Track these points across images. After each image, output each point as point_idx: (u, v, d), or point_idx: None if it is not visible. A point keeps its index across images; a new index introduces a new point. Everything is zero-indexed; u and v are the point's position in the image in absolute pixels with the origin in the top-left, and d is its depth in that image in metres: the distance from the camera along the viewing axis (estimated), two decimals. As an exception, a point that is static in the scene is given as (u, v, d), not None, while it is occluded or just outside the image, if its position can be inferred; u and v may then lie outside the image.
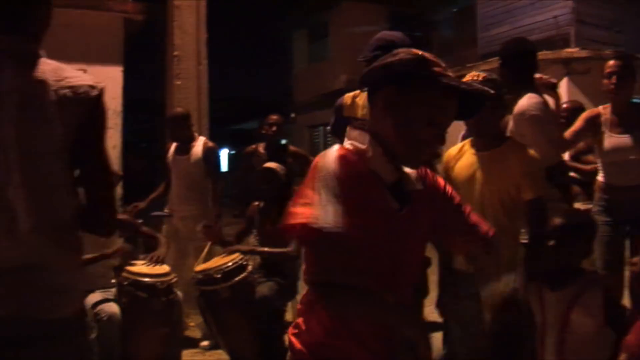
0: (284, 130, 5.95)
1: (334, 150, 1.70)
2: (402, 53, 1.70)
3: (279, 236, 4.01)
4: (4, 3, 1.83)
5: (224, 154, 28.40)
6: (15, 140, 1.75)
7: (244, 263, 4.24)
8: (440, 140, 1.68)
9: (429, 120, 1.65)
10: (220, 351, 4.63)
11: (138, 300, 3.74)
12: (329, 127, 3.98)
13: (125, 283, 3.77)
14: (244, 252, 4.37)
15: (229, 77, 23.99)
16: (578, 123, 3.97)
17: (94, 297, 3.80)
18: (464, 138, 4.32)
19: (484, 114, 2.82)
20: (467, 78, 2.81)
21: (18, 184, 1.75)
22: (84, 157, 1.88)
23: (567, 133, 3.91)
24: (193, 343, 5.05)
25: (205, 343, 5.00)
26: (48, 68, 1.83)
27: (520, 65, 3.54)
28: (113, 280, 3.92)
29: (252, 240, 4.70)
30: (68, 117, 1.80)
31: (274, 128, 5.88)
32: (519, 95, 3.46)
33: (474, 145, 3.01)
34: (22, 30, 1.84)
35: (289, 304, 4.69)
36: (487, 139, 2.94)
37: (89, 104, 1.84)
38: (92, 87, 1.86)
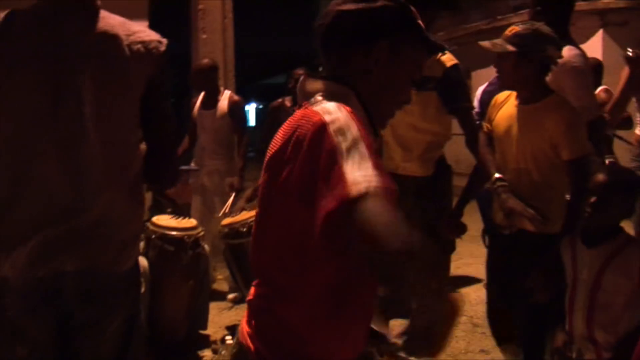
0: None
1: (340, 108, 1.33)
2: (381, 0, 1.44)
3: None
4: None
5: (251, 109, 28.43)
6: (92, 94, 1.74)
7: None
8: (410, 100, 1.52)
9: (411, 80, 1.49)
10: (247, 304, 4.67)
11: (166, 253, 3.77)
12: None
13: (153, 236, 3.80)
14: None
15: (256, 31, 23.81)
16: (623, 80, 3.73)
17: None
18: (483, 93, 4.22)
19: (508, 68, 2.74)
20: (507, 33, 2.74)
21: (94, 141, 1.75)
22: (150, 114, 1.88)
23: (617, 92, 3.75)
24: (221, 296, 5.11)
25: (232, 296, 5.05)
26: (116, 22, 1.83)
27: (555, 15, 3.36)
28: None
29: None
30: (140, 71, 1.81)
31: (300, 83, 5.81)
32: None
33: (517, 96, 2.90)
34: None
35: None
36: (528, 93, 2.81)
37: (159, 59, 1.85)
38: (160, 42, 1.87)
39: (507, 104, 2.92)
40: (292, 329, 1.41)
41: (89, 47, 1.75)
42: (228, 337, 3.48)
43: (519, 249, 2.84)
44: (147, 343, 3.75)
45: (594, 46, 3.26)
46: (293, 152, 1.32)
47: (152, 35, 1.86)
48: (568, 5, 3.46)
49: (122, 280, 1.86)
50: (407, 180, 3.29)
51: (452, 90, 3.25)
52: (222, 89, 5.39)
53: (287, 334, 1.41)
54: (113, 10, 1.86)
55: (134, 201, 1.88)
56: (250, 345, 1.44)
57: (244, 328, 1.48)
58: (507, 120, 2.88)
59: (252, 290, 1.51)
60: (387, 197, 1.19)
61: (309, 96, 1.44)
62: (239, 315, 4.69)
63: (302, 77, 1.52)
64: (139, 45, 1.80)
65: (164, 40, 1.87)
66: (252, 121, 27.03)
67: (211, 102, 5.22)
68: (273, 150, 1.40)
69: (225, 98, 5.22)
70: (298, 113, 1.40)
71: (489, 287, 3.38)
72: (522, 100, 2.84)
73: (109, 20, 1.81)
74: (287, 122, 1.41)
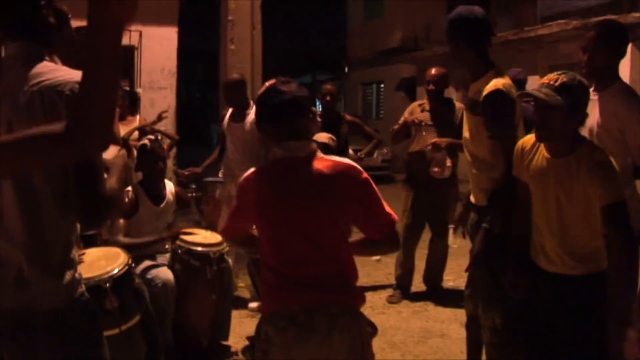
0: (338, 97, 5.92)
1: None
2: None
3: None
4: (14, 13, 1.86)
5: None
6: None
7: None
8: None
9: None
10: (268, 315, 4.77)
11: (191, 268, 3.88)
12: None
13: (180, 251, 3.91)
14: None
15: (284, 31, 23.85)
16: None
17: (147, 262, 3.96)
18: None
19: (556, 119, 2.59)
20: (545, 80, 2.64)
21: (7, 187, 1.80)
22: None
23: None
24: (242, 303, 5.19)
25: (253, 305, 5.14)
26: (45, 69, 1.81)
27: (610, 52, 3.20)
28: (167, 246, 4.08)
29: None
30: (52, 112, 1.73)
31: (328, 98, 5.86)
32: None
33: (549, 149, 2.75)
34: (31, 37, 1.86)
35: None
36: (565, 145, 2.68)
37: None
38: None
39: (539, 155, 2.79)
40: (348, 277, 2.29)
41: (7, 97, 1.78)
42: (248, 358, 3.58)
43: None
44: (172, 353, 3.90)
45: (623, 61, 3.23)
46: None
47: (74, 77, 1.76)
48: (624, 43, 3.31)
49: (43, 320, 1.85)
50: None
51: (488, 116, 3.16)
52: (251, 101, 5.48)
53: (346, 280, 2.28)
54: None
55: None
56: (332, 299, 2.22)
57: (316, 297, 2.20)
58: (540, 172, 2.76)
59: (303, 272, 2.23)
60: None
61: None
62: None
63: None
64: (50, 85, 1.76)
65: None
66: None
67: (240, 115, 5.31)
68: None
69: (253, 111, 5.30)
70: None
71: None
72: (555, 154, 2.71)
73: (40, 68, 1.81)
74: None
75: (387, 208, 2.28)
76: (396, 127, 5.58)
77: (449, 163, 5.08)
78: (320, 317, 2.17)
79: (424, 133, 5.33)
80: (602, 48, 3.17)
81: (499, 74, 3.22)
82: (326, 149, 4.56)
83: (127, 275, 3.26)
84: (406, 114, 5.59)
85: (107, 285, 3.10)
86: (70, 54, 2.01)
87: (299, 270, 2.24)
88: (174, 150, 7.02)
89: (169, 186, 4.31)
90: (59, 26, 1.95)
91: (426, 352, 4.36)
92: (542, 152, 2.77)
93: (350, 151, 5.87)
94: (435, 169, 5.11)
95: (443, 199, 5.43)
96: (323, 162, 2.26)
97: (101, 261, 3.26)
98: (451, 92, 10.47)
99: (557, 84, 2.59)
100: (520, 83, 4.94)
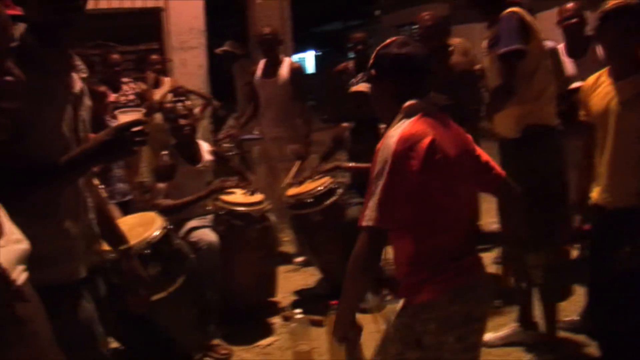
0: (369, 44, 5.76)
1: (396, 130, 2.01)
2: None
3: (370, 157, 4.02)
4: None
5: (309, 56, 28.24)
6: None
7: (334, 187, 4.31)
8: None
9: None
10: (313, 268, 4.81)
11: (234, 228, 3.89)
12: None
13: (221, 212, 3.92)
14: (329, 170, 4.45)
15: (311, -23, 23.36)
16: None
17: (190, 223, 3.97)
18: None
19: (617, 37, 2.62)
20: (611, 2, 2.62)
21: None
22: None
23: None
24: (287, 258, 5.22)
25: (299, 259, 5.18)
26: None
27: None
28: (208, 207, 4.09)
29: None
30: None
31: (359, 47, 5.71)
32: None
33: (610, 74, 2.77)
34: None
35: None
36: (623, 66, 2.70)
37: None
38: None
39: (602, 85, 2.79)
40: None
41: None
42: (297, 311, 3.59)
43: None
44: (221, 312, 3.95)
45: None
46: None
47: None
48: None
49: None
50: None
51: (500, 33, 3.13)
52: (281, 56, 5.39)
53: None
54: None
55: None
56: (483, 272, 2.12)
57: (474, 273, 2.06)
58: (603, 99, 2.76)
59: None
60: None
61: None
62: (306, 279, 4.84)
63: None
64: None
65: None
66: (310, 69, 26.91)
67: (272, 70, 5.24)
68: None
69: (285, 66, 5.24)
70: None
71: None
72: (618, 76, 2.72)
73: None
74: None
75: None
76: None
77: None
78: None
79: None
80: None
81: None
82: (366, 100, 4.47)
83: (165, 239, 3.27)
84: None
85: (147, 251, 3.12)
86: None
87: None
88: (209, 109, 6.99)
89: (204, 146, 4.30)
90: None
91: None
92: (605, 81, 2.77)
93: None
94: None
95: None
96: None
97: (138, 228, 3.28)
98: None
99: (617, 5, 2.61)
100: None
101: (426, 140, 1.90)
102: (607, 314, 2.82)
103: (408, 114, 1.99)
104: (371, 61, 2.15)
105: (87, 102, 1.98)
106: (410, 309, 2.00)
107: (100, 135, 1.76)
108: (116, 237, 2.19)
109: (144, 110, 1.96)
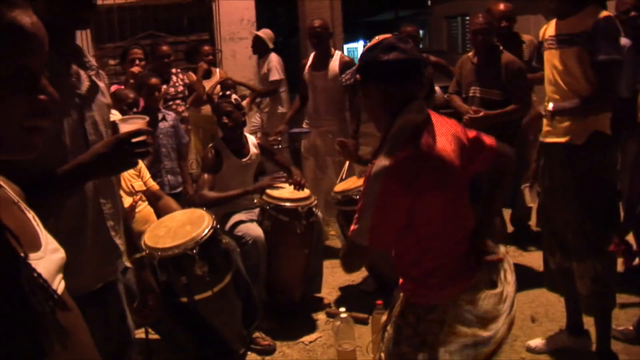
0: (419, 38, 5.65)
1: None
2: None
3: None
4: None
5: (359, 46, 28.12)
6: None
7: (382, 183, 4.23)
8: None
9: None
10: (360, 264, 4.74)
11: (280, 224, 3.86)
12: None
13: (268, 207, 3.90)
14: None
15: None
16: None
17: (236, 217, 3.97)
18: None
19: None
20: None
21: None
22: None
23: None
24: (333, 253, 5.18)
25: (345, 255, 5.12)
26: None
27: None
28: (255, 201, 4.07)
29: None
30: None
31: (410, 40, 5.60)
32: None
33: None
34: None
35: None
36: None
37: None
38: None
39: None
40: None
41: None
42: (342, 309, 3.55)
43: None
44: (266, 308, 3.94)
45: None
46: None
47: None
48: None
49: None
50: None
51: (603, 39, 3.00)
52: (332, 49, 5.33)
53: None
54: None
55: None
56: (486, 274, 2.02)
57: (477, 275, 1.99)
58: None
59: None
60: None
61: None
62: (351, 275, 4.78)
63: None
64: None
65: None
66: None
67: (322, 63, 5.19)
68: None
69: (336, 59, 5.17)
70: None
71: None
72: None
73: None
74: None
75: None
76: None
77: None
78: None
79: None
80: None
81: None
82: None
83: (213, 238, 3.26)
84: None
85: (194, 251, 3.12)
86: None
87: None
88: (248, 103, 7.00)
89: (251, 139, 4.29)
90: None
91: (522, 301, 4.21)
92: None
93: (437, 89, 5.59)
94: None
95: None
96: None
97: (186, 227, 3.28)
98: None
99: None
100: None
101: (417, 161, 1.83)
102: None
103: (397, 137, 1.87)
104: (357, 64, 2.02)
105: (103, 99, 1.88)
106: (413, 309, 2.00)
107: (98, 146, 1.68)
108: (130, 245, 2.10)
109: (147, 118, 1.85)
